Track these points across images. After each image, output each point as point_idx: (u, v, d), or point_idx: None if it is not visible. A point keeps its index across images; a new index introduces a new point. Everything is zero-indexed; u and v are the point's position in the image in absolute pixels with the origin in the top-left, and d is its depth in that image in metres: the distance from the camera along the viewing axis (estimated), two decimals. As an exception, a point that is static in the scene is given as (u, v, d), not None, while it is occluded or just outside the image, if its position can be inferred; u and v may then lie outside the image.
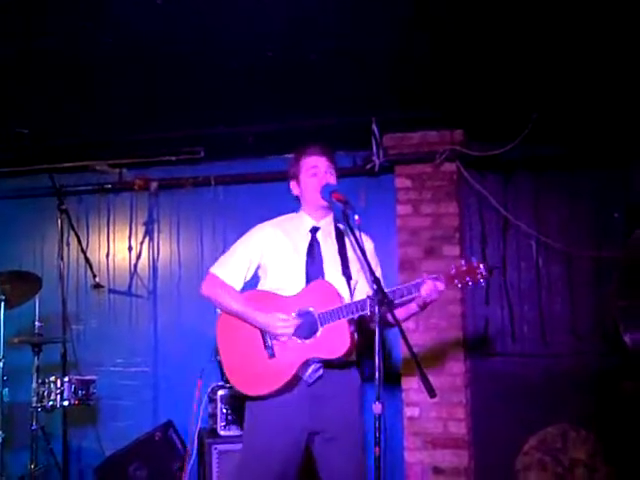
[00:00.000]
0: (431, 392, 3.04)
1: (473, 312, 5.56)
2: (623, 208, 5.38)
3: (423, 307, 3.62)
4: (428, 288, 3.50)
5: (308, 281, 3.63)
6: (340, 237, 3.78)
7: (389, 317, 3.30)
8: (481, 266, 3.51)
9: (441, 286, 3.53)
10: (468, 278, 3.52)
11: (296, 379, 3.51)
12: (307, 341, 3.53)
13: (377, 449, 3.10)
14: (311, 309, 3.55)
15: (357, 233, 3.41)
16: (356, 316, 3.52)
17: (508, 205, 5.55)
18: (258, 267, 3.75)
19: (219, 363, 3.65)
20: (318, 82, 4.66)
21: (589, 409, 5.12)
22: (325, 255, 3.70)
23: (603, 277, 5.36)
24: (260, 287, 3.76)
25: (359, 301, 3.52)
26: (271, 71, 4.47)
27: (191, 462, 5.23)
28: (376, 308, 3.18)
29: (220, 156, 5.91)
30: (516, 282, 5.57)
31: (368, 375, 4.51)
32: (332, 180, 3.70)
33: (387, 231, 5.56)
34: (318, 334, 3.52)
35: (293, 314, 3.55)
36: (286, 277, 3.65)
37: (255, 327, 3.59)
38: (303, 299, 3.58)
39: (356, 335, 3.65)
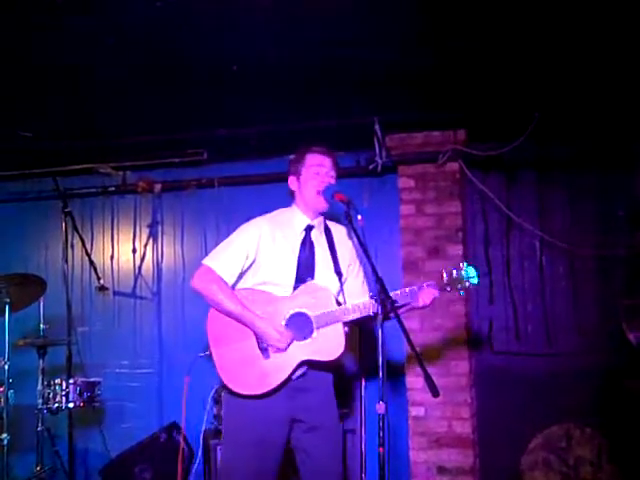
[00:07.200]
0: (434, 392, 3.05)
1: (477, 311, 5.57)
2: (627, 207, 5.37)
3: (414, 309, 3.72)
4: (426, 296, 3.59)
5: (297, 278, 3.64)
6: (329, 235, 3.80)
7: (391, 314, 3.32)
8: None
9: (436, 292, 3.63)
10: (460, 286, 3.63)
11: (289, 380, 3.54)
12: (302, 343, 3.54)
13: (381, 449, 3.09)
14: (305, 310, 3.56)
15: (360, 234, 3.41)
16: (353, 319, 3.54)
17: (511, 204, 5.54)
18: (252, 262, 3.67)
19: (209, 359, 3.63)
20: (321, 83, 4.66)
21: (594, 408, 5.11)
22: (317, 253, 3.72)
23: (607, 276, 5.36)
24: (244, 281, 3.71)
25: (357, 304, 3.54)
26: (274, 73, 4.47)
27: (196, 463, 5.25)
28: (378, 308, 3.20)
29: (223, 158, 5.92)
30: (520, 281, 5.56)
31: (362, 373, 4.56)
32: (332, 181, 3.70)
33: (390, 231, 5.58)
34: (314, 336, 3.54)
35: (283, 322, 3.55)
36: (276, 273, 3.64)
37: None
38: (297, 300, 3.59)
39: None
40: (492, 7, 3.69)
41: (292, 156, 3.88)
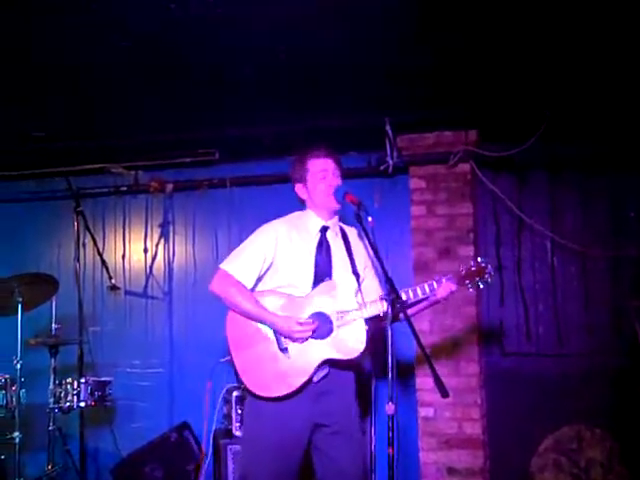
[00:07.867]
0: (443, 392, 3.05)
1: (488, 313, 5.55)
2: (638, 208, 5.36)
3: (431, 305, 3.72)
4: (443, 289, 3.57)
5: (316, 279, 3.63)
6: (345, 237, 3.80)
7: (401, 315, 3.33)
8: (489, 266, 3.63)
9: (453, 286, 3.60)
10: (478, 278, 3.62)
11: (310, 381, 3.52)
12: (323, 341, 3.53)
13: (391, 449, 3.10)
14: (324, 310, 3.56)
15: (370, 235, 3.42)
16: (372, 316, 3.54)
17: (523, 205, 5.53)
18: (270, 265, 3.68)
19: (230, 363, 3.64)
20: (333, 83, 4.66)
21: (605, 409, 5.10)
22: (334, 254, 3.71)
23: (619, 277, 5.35)
24: (263, 284, 3.71)
25: (374, 301, 3.54)
26: (285, 73, 4.48)
27: (207, 463, 5.26)
28: (388, 308, 3.20)
29: (235, 157, 5.92)
30: (531, 282, 5.55)
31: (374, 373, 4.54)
32: (339, 182, 3.71)
33: (401, 232, 5.57)
34: (334, 334, 3.53)
35: (307, 318, 3.55)
36: (295, 275, 3.64)
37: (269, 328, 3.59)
38: (316, 300, 3.59)
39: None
40: (500, 5, 3.68)
41: (293, 160, 3.89)
